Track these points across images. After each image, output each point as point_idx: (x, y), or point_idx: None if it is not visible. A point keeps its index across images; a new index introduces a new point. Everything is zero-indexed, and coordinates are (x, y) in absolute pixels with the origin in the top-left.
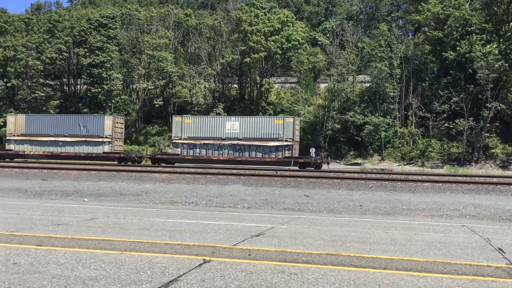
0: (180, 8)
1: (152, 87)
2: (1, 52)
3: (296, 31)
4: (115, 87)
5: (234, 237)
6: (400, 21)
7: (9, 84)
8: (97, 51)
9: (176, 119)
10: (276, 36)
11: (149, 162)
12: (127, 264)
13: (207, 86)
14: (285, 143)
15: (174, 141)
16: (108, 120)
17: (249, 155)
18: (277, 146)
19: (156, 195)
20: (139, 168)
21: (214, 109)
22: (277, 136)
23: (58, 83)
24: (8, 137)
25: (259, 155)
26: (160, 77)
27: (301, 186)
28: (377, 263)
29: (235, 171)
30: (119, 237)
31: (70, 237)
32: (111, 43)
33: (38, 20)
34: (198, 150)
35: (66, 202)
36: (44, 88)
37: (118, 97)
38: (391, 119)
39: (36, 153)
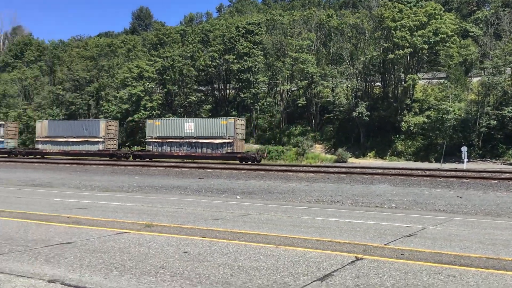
0: (322, 9)
1: (295, 89)
2: (161, 62)
3: (444, 24)
4: (261, 90)
5: (385, 236)
6: None
7: (165, 90)
8: (244, 57)
9: (148, 122)
10: (423, 30)
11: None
12: (283, 257)
13: (349, 85)
14: (228, 140)
15: (147, 139)
16: (102, 124)
17: (201, 151)
18: (222, 143)
19: (302, 193)
20: (285, 168)
21: (357, 109)
22: (221, 134)
23: (210, 88)
24: (36, 139)
25: (209, 151)
26: (302, 78)
27: (453, 186)
28: None
29: (380, 171)
30: (272, 232)
31: (229, 230)
32: (257, 48)
33: (193, 31)
34: (164, 147)
35: (221, 199)
36: (197, 94)
37: (264, 100)
38: None
39: (54, 151)
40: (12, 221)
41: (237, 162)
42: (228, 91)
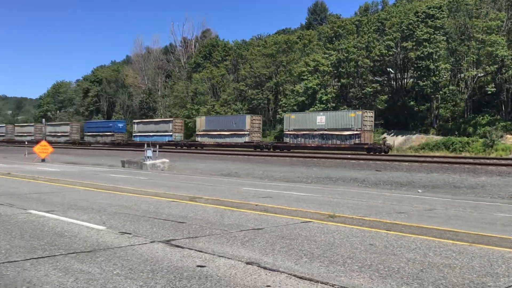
0: None
1: (482, 74)
2: (336, 54)
3: None
4: (442, 78)
5: None
6: None
7: (339, 83)
8: (424, 43)
9: (285, 116)
10: None
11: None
12: (478, 256)
13: None
14: (355, 132)
15: (284, 132)
16: (248, 118)
17: (331, 142)
18: (350, 135)
19: (494, 188)
20: (471, 161)
21: None
22: (350, 126)
23: (386, 78)
24: (196, 132)
25: (338, 142)
26: (490, 63)
27: None
28: None
29: None
30: (462, 228)
31: (415, 225)
32: (438, 33)
33: (368, 21)
34: (299, 139)
35: (401, 192)
36: (373, 85)
37: (446, 88)
38: None
39: (210, 143)
40: (208, 207)
41: (365, 152)
42: (405, 80)
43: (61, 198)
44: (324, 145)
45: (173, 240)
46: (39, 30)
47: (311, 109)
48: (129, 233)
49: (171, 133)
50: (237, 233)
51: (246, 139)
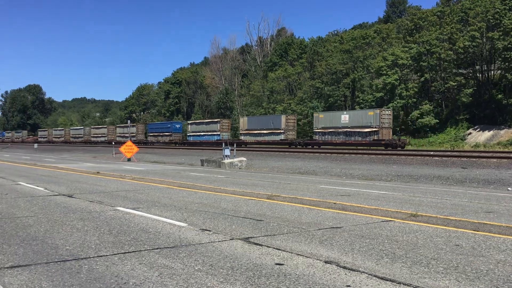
0: None
1: None
2: (416, 47)
3: None
4: None
5: None
6: None
7: (422, 79)
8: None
9: (315, 115)
10: None
11: None
12: None
13: None
14: (374, 129)
15: (314, 130)
16: (283, 118)
17: (353, 139)
18: (369, 132)
19: None
20: None
21: None
22: (369, 124)
23: (471, 71)
24: (240, 131)
25: (359, 138)
26: None
27: None
28: None
29: None
30: None
31: (504, 225)
32: None
33: (451, 11)
34: (326, 136)
35: (489, 190)
36: (457, 78)
37: None
38: None
39: (251, 141)
40: (286, 205)
41: (382, 148)
42: (492, 72)
43: (145, 195)
44: (347, 142)
45: (251, 237)
46: (123, 37)
47: (390, 104)
48: (209, 230)
49: (219, 133)
50: (315, 232)
51: (282, 137)
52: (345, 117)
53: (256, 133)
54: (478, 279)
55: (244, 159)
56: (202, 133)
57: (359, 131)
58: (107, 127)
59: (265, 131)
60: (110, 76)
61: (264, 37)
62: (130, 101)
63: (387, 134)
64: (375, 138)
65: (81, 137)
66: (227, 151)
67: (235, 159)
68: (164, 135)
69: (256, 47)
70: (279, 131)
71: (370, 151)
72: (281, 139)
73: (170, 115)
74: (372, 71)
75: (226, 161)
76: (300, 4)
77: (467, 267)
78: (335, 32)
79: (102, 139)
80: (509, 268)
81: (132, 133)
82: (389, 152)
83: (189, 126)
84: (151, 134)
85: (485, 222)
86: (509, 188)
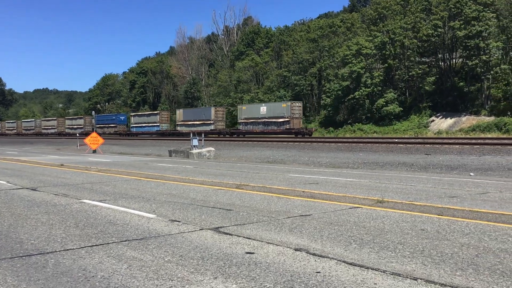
0: None
1: None
2: (380, 36)
3: None
4: (493, 57)
5: None
6: None
7: (386, 65)
8: (472, 22)
9: (238, 107)
10: None
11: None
12: None
13: None
14: (286, 119)
15: (238, 120)
16: (212, 110)
17: (270, 128)
18: (282, 121)
19: None
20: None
21: None
22: (282, 115)
23: (434, 59)
24: (177, 122)
25: (275, 127)
26: None
27: None
28: None
29: None
30: None
31: (467, 209)
32: (487, 11)
33: (415, 0)
34: (248, 126)
35: (452, 175)
36: (420, 66)
37: (497, 67)
38: None
39: (186, 131)
40: (255, 194)
41: (293, 136)
42: (454, 60)
43: (112, 187)
44: (265, 131)
45: (221, 227)
46: (85, 26)
47: (356, 93)
48: (179, 221)
49: (158, 124)
50: (284, 220)
51: (212, 127)
52: (263, 109)
53: (190, 123)
54: (443, 262)
55: (213, 149)
56: (143, 125)
57: (274, 121)
58: (57, 119)
59: (197, 122)
60: (73, 67)
61: (230, 26)
62: (95, 92)
63: (297, 124)
64: (287, 127)
65: (33, 129)
66: (195, 141)
67: (203, 149)
68: (110, 127)
69: (223, 36)
70: (209, 121)
71: (336, 140)
72: (211, 129)
73: (136, 105)
74: (338, 60)
75: (194, 151)
76: None
77: (433, 250)
78: (302, 21)
79: (52, 131)
80: (473, 251)
81: (80, 125)
82: (356, 140)
83: (132, 118)
84: (98, 126)
85: (449, 206)
86: (471, 174)
